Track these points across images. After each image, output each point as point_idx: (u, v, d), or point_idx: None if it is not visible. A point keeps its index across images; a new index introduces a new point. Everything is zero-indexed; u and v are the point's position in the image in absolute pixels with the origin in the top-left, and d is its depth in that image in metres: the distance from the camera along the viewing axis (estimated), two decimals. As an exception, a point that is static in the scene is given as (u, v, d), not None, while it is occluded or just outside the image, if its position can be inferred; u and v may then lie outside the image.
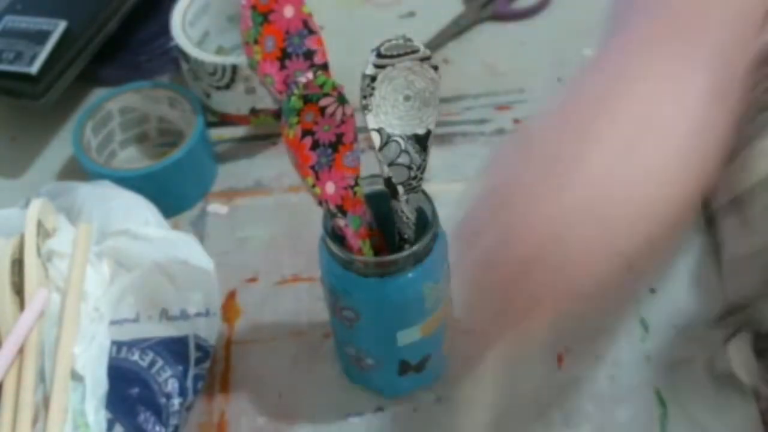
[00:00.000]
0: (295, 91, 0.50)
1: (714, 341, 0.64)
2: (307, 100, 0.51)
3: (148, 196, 0.69)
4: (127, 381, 0.60)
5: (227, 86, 0.77)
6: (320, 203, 0.54)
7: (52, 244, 0.63)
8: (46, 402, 0.57)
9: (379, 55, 0.53)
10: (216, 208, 0.76)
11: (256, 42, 0.56)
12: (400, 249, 0.55)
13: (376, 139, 0.54)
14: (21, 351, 0.59)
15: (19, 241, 0.62)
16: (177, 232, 0.69)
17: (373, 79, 0.53)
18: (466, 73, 0.83)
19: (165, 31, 0.81)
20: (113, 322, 0.62)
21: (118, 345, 0.61)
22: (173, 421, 0.60)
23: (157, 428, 0.59)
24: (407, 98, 0.54)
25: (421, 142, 0.55)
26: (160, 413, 0.60)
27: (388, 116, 0.54)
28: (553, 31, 0.86)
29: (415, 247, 0.54)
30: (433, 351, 0.62)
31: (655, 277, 0.62)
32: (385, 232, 0.58)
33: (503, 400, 0.58)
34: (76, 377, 0.58)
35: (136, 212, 0.67)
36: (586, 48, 0.83)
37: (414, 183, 0.55)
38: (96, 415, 0.58)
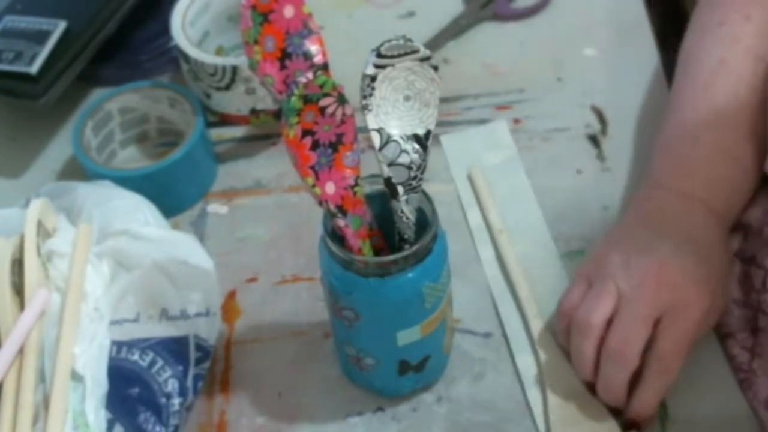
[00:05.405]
0: (295, 91, 0.50)
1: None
2: (307, 100, 0.51)
3: (148, 196, 0.69)
4: (127, 381, 0.60)
5: (227, 87, 0.77)
6: (320, 203, 0.54)
7: (52, 244, 0.63)
8: (46, 402, 0.57)
9: (379, 55, 0.53)
10: (216, 208, 0.76)
11: (256, 42, 0.56)
12: (400, 249, 0.55)
13: (376, 139, 0.54)
14: (21, 351, 0.59)
15: (19, 241, 0.62)
16: (177, 232, 0.69)
17: (373, 79, 0.53)
18: (466, 73, 0.83)
19: (165, 31, 0.81)
20: (113, 322, 0.62)
21: (118, 345, 0.61)
22: (173, 421, 0.60)
23: (157, 428, 0.59)
24: (407, 98, 0.54)
25: (421, 142, 0.55)
26: (160, 413, 0.60)
27: (388, 116, 0.54)
28: (553, 31, 0.86)
29: (415, 247, 0.54)
30: (433, 351, 0.62)
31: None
32: (385, 232, 0.58)
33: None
34: (76, 377, 0.58)
35: (136, 212, 0.67)
36: (586, 48, 0.84)
37: (414, 183, 0.55)
38: (96, 415, 0.58)
